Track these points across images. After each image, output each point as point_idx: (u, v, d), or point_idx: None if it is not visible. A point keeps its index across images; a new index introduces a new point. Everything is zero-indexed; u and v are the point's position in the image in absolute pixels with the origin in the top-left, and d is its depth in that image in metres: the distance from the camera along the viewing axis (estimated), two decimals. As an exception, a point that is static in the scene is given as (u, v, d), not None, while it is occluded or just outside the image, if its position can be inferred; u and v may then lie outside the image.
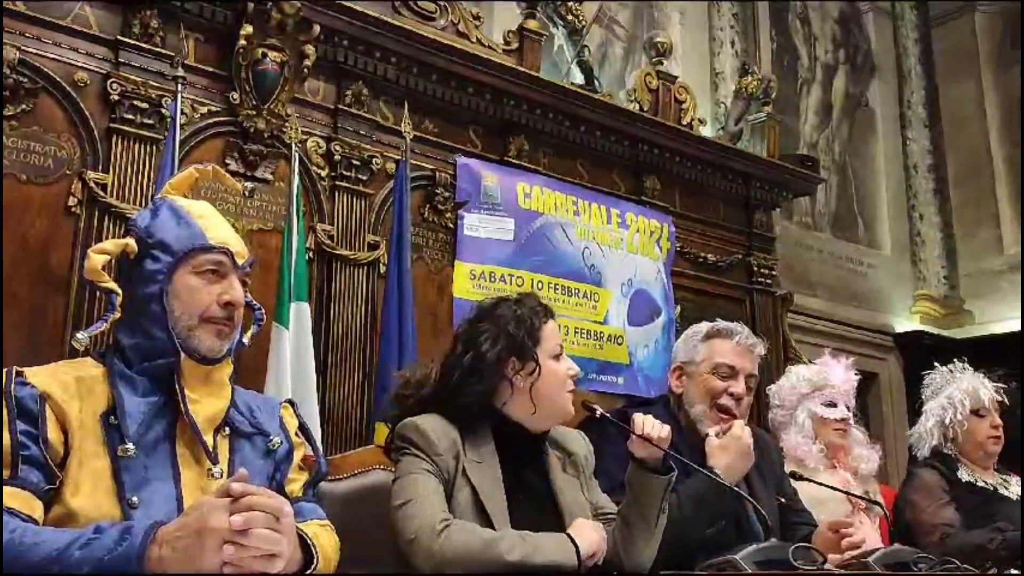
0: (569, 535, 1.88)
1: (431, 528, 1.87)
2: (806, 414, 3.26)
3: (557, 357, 2.15)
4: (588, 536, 1.89)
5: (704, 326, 2.70)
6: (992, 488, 3.15)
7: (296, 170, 3.50)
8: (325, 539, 1.74)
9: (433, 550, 1.85)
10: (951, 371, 3.38)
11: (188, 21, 3.57)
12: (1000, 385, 3.29)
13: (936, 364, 3.47)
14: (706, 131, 5.54)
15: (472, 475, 2.02)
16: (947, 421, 3.23)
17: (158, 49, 3.47)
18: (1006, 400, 3.27)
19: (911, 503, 3.10)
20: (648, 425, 2.02)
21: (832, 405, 3.26)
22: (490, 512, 1.98)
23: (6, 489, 1.50)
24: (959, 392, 3.25)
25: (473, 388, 2.10)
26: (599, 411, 2.17)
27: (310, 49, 3.66)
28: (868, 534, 2.89)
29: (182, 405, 1.67)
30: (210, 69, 3.62)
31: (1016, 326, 6.80)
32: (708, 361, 2.61)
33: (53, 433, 1.57)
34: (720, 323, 2.69)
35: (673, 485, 2.09)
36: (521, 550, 1.84)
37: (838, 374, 3.32)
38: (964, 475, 3.16)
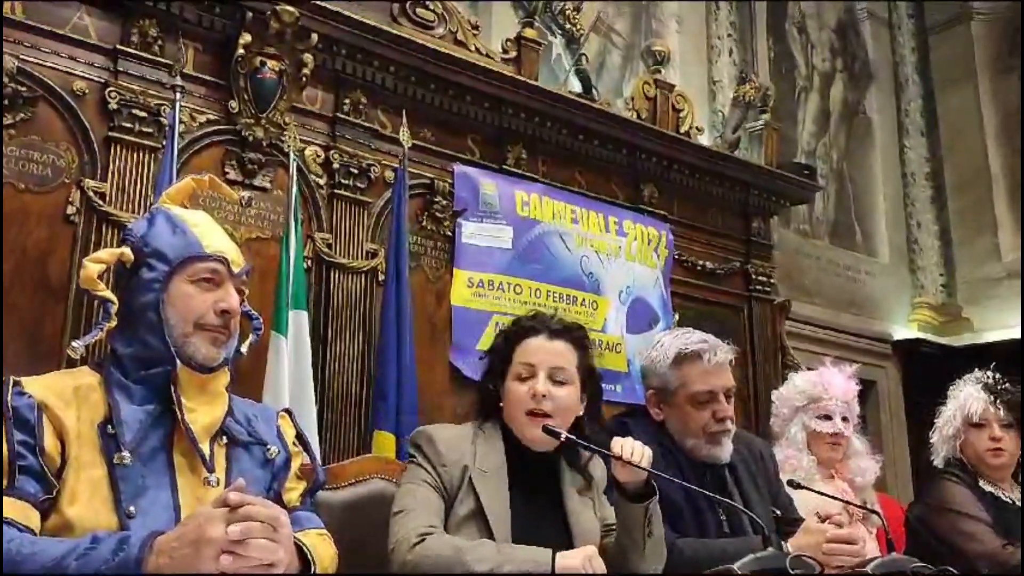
0: (554, 551, 1.86)
1: (407, 540, 1.91)
2: (799, 427, 3.23)
3: (521, 378, 2.14)
4: (573, 555, 1.85)
5: (669, 347, 2.54)
6: (1011, 501, 3.09)
7: (294, 178, 3.50)
8: (323, 548, 1.74)
9: (405, 561, 1.89)
10: (964, 380, 3.30)
11: (187, 30, 3.57)
12: (989, 397, 3.16)
13: (935, 372, 3.42)
14: (704, 139, 5.54)
15: (478, 486, 2.04)
16: (949, 433, 3.20)
17: (157, 58, 3.47)
18: (1004, 413, 3.09)
19: (950, 517, 2.99)
20: (628, 449, 1.98)
21: (827, 418, 3.22)
22: (491, 522, 1.99)
23: (4, 499, 1.50)
24: (954, 404, 3.21)
25: (482, 411, 2.22)
26: (564, 435, 2.06)
27: (308, 58, 3.67)
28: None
29: (179, 414, 1.67)
30: (208, 78, 3.62)
31: (1014, 334, 6.80)
32: (684, 390, 2.49)
33: (50, 443, 1.57)
34: (685, 340, 2.54)
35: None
36: (492, 561, 1.84)
37: (837, 384, 3.28)
38: (986, 487, 3.10)
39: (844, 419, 3.23)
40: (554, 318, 2.24)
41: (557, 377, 2.13)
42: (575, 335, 2.21)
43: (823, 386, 3.27)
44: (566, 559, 1.83)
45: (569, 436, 2.06)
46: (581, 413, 2.19)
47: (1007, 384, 3.17)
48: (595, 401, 2.25)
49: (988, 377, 3.20)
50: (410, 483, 2.07)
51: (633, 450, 1.98)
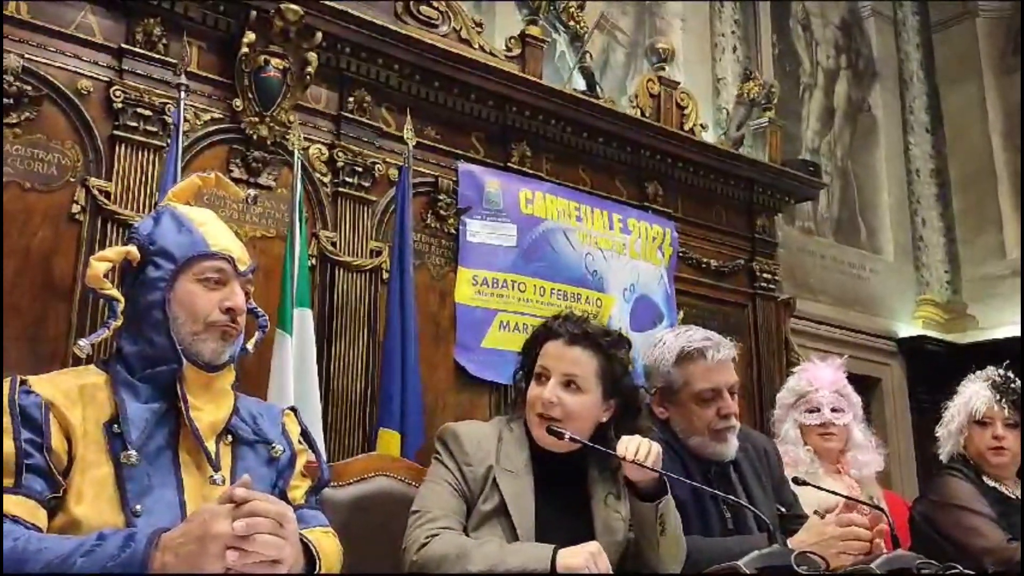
0: (556, 547, 1.85)
1: (417, 541, 1.93)
2: (791, 424, 3.25)
3: (538, 380, 2.15)
4: (576, 552, 1.83)
5: (672, 345, 2.52)
6: (1015, 497, 3.08)
7: (299, 177, 3.51)
8: (328, 545, 1.74)
9: (412, 562, 1.92)
10: (973, 376, 3.29)
11: (191, 29, 3.58)
12: (995, 395, 3.14)
13: (939, 369, 3.42)
14: (708, 137, 5.54)
15: (502, 483, 2.04)
16: (953, 429, 3.19)
17: (161, 57, 3.48)
18: (1009, 412, 3.07)
19: (954, 512, 2.95)
20: (632, 448, 1.96)
21: (815, 410, 3.24)
22: (515, 520, 2.00)
23: (10, 498, 1.50)
24: (960, 400, 3.20)
25: (516, 413, 2.21)
26: (568, 435, 2.05)
27: (312, 56, 3.67)
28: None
29: (184, 412, 1.68)
30: (213, 76, 3.63)
31: (1018, 331, 6.78)
32: (688, 389, 2.46)
33: (57, 441, 1.57)
34: (688, 338, 2.51)
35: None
36: (493, 559, 1.85)
37: (823, 376, 3.29)
38: (989, 482, 3.10)
39: (835, 410, 3.24)
40: (581, 321, 2.19)
41: (570, 384, 2.11)
42: (597, 342, 2.15)
43: (808, 380, 3.30)
44: (567, 557, 1.82)
45: (573, 437, 2.05)
46: (604, 420, 2.16)
47: (1015, 383, 3.15)
48: (628, 411, 2.19)
49: (996, 375, 3.19)
50: (431, 482, 2.09)
51: (639, 448, 1.96)
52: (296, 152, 3.57)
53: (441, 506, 2.01)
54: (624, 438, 2.00)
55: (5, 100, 3.13)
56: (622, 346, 2.22)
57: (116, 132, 3.37)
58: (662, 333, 2.70)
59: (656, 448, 1.99)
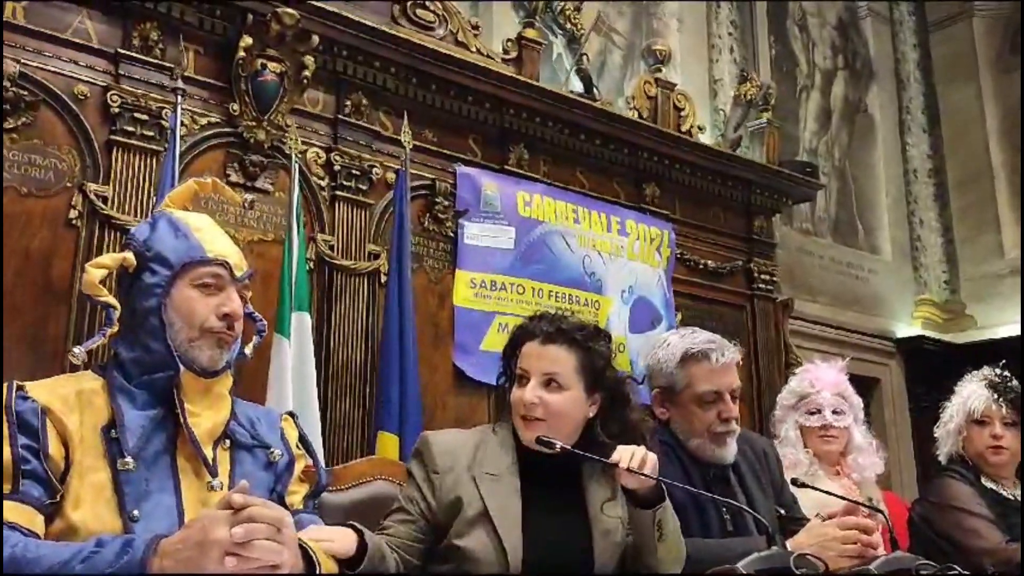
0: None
1: None
2: (791, 425, 3.26)
3: (519, 383, 2.13)
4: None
5: (676, 346, 2.52)
6: (1013, 498, 3.08)
7: (296, 180, 3.51)
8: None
9: None
10: (970, 376, 3.29)
11: (188, 33, 3.58)
12: (992, 394, 3.14)
13: (938, 369, 3.41)
14: (705, 138, 5.54)
15: (483, 487, 2.03)
16: (951, 429, 3.19)
17: (158, 61, 3.48)
18: (1007, 411, 3.07)
19: (953, 514, 2.94)
20: (627, 456, 1.95)
21: (816, 412, 3.24)
22: (496, 524, 1.99)
23: (8, 504, 1.50)
24: (958, 399, 3.20)
25: (503, 418, 2.21)
26: (559, 445, 2.02)
27: (309, 60, 3.67)
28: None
29: (181, 418, 1.67)
30: (210, 81, 3.63)
31: (1017, 330, 6.78)
32: (690, 390, 2.48)
33: (54, 447, 1.57)
34: (692, 340, 2.52)
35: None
36: None
37: (825, 378, 3.29)
38: (988, 483, 3.09)
39: (836, 412, 3.24)
40: (555, 319, 2.18)
41: (551, 383, 2.10)
42: (573, 337, 2.14)
43: (809, 382, 3.31)
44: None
45: (564, 447, 2.03)
46: (592, 415, 2.15)
47: (1012, 382, 3.15)
48: (615, 403, 2.18)
49: (993, 374, 3.19)
50: (397, 501, 2.11)
51: (633, 456, 1.94)
52: (293, 156, 3.57)
53: (389, 528, 2.05)
54: (620, 447, 1.98)
55: (2, 105, 3.13)
56: (600, 338, 2.20)
57: (113, 137, 3.37)
58: (666, 334, 2.70)
59: (652, 457, 1.98)
